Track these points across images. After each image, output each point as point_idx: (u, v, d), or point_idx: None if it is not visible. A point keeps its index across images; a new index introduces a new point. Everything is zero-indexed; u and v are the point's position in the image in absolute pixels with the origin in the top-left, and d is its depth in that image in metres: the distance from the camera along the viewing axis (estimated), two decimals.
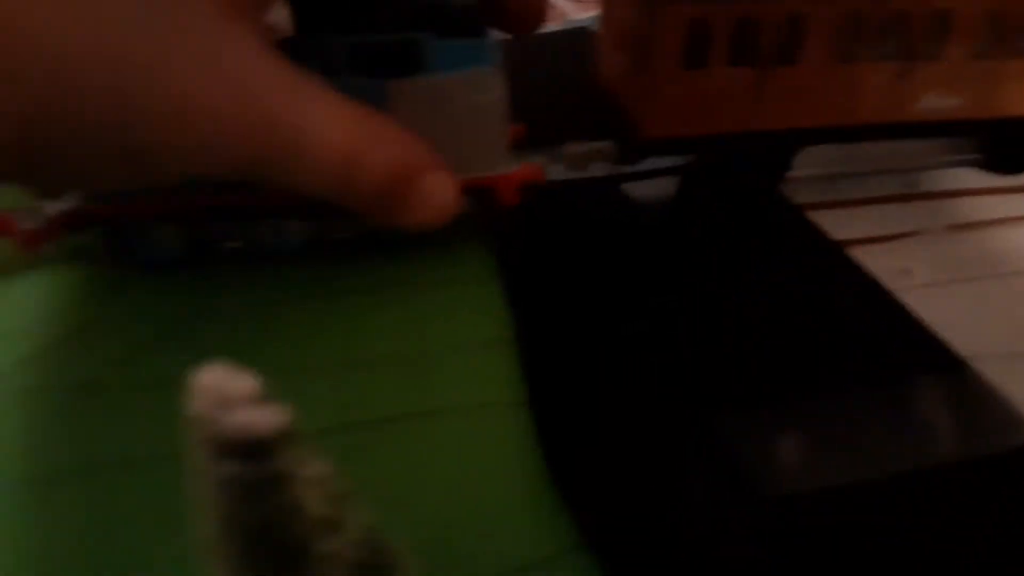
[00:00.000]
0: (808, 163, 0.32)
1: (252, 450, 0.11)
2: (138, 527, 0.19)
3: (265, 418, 0.11)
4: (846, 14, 0.26)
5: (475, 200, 0.27)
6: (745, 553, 0.18)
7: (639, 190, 0.32)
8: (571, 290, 0.26)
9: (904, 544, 0.18)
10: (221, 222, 0.27)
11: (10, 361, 0.24)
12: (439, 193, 0.23)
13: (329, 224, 0.28)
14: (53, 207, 0.25)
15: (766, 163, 0.31)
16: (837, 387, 0.23)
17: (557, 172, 0.30)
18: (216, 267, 0.28)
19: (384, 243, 0.28)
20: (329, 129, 0.21)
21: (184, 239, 0.27)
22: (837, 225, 0.30)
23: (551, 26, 0.48)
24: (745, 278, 0.27)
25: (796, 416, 0.22)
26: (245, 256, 0.28)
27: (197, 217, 0.27)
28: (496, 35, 0.26)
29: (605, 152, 0.29)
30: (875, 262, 0.28)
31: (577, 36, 0.44)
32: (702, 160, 0.31)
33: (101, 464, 0.21)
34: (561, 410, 0.22)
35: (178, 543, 0.18)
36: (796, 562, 0.18)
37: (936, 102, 0.28)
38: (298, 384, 0.22)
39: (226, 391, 0.11)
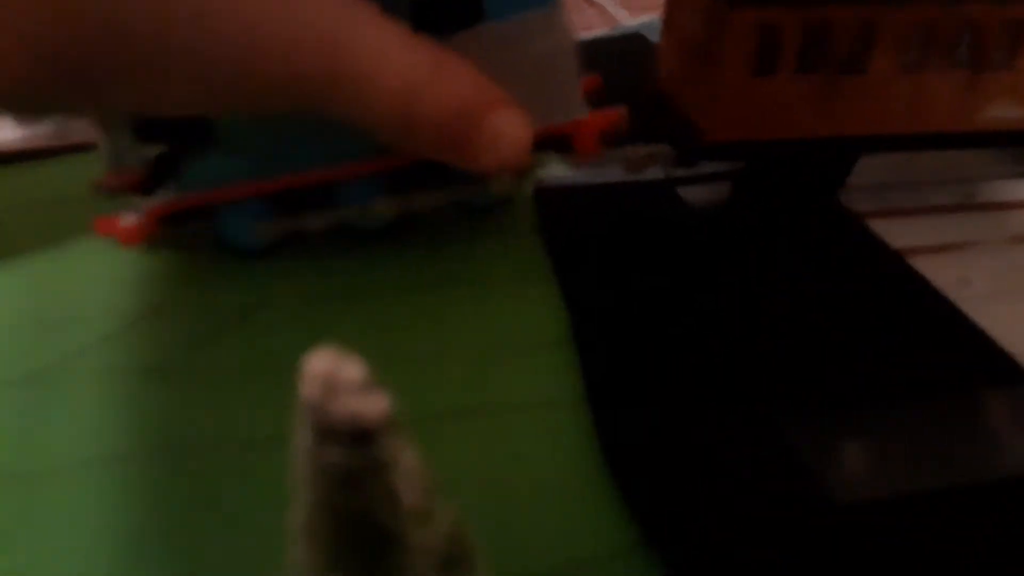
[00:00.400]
0: (865, 171, 0.32)
1: (357, 437, 0.11)
2: (199, 510, 0.19)
3: (371, 406, 0.11)
4: (916, 22, 0.26)
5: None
6: (806, 556, 0.18)
7: (692, 194, 0.32)
8: (626, 291, 0.26)
9: (969, 554, 0.18)
10: (309, 203, 0.28)
11: (85, 342, 0.25)
12: (510, 132, 0.22)
13: (415, 197, 0.28)
14: (150, 203, 0.26)
15: (827, 170, 0.31)
16: (900, 396, 0.22)
17: (614, 174, 0.30)
18: (290, 256, 0.29)
19: (445, 241, 0.29)
20: (389, 56, 0.20)
21: (274, 223, 0.28)
22: (894, 234, 0.30)
23: (604, 31, 0.48)
24: (805, 284, 0.27)
25: (860, 423, 0.22)
26: (333, 238, 0.29)
27: (286, 199, 0.27)
28: None
29: (663, 155, 0.29)
30: (934, 272, 0.28)
31: (630, 42, 0.44)
32: (759, 165, 0.31)
33: (165, 446, 0.21)
34: (621, 409, 0.22)
35: (239, 526, 0.19)
36: (858, 567, 0.18)
37: (1003, 112, 0.28)
38: None
39: (335, 377, 0.11)
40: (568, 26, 0.25)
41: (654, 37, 0.41)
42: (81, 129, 0.37)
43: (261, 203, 0.27)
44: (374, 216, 0.28)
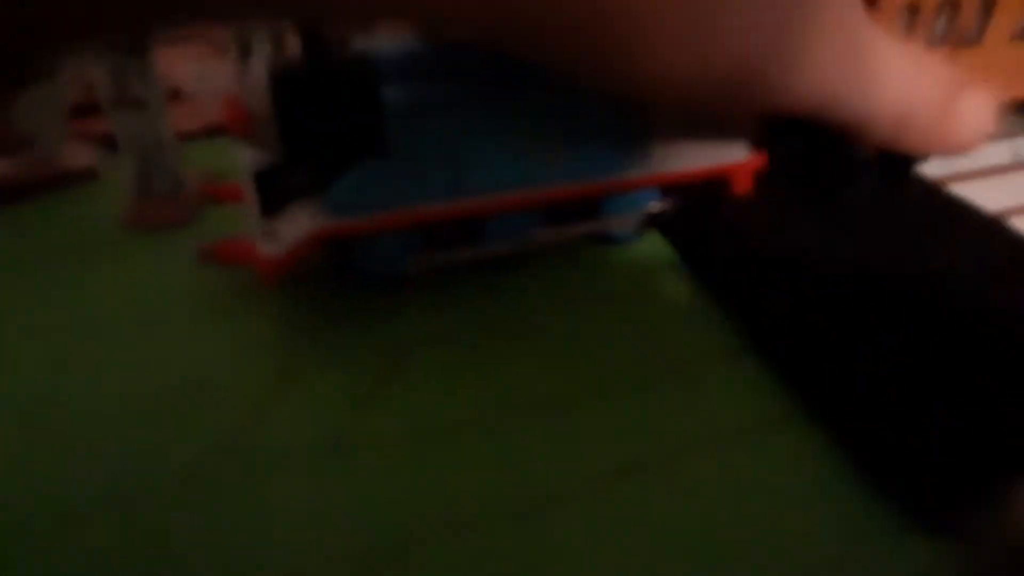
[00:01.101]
0: None
1: None
2: None
3: None
4: None
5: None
6: None
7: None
8: (787, 297, 0.25)
9: None
10: (455, 238, 0.25)
11: (229, 424, 0.21)
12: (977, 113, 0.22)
13: (565, 229, 0.26)
14: (293, 227, 0.22)
15: None
16: None
17: None
18: (406, 298, 0.25)
19: (567, 268, 0.27)
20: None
21: (426, 255, 0.25)
22: (977, 199, 0.30)
23: None
24: (944, 271, 0.26)
25: None
26: (474, 271, 0.26)
27: (433, 231, 0.24)
28: None
29: None
30: None
31: None
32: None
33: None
34: (883, 420, 0.20)
35: None
36: None
37: None
38: (579, 422, 0.21)
39: None
40: None
41: None
42: (70, 155, 0.31)
43: (414, 232, 0.24)
44: (527, 247, 0.26)
